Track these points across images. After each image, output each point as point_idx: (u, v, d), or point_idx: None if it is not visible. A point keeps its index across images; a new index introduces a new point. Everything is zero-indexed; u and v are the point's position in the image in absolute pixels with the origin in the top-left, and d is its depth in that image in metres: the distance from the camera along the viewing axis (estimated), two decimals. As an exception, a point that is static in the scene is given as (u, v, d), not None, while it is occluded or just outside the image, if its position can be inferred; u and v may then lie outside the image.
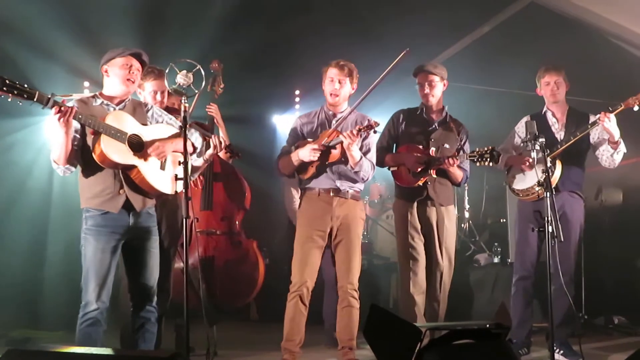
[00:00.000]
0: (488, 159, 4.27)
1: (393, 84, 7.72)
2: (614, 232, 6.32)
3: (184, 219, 3.46)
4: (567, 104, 4.77)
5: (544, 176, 4.04)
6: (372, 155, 4.27)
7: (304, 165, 4.14)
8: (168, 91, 4.61)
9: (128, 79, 3.53)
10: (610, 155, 4.57)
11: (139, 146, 3.47)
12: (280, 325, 4.19)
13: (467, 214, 7.85)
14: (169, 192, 3.63)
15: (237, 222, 4.97)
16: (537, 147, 4.08)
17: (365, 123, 4.13)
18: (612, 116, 4.38)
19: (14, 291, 5.65)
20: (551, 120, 4.70)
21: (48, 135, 3.28)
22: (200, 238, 4.73)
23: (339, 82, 4.18)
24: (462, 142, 4.62)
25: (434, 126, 4.59)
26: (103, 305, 3.44)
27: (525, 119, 4.78)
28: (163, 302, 4.20)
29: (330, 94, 4.23)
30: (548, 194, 3.94)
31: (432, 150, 4.45)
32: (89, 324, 3.41)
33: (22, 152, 5.76)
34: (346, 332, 4.13)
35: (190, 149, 3.60)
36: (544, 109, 4.78)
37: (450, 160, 4.33)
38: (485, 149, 4.30)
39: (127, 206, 3.48)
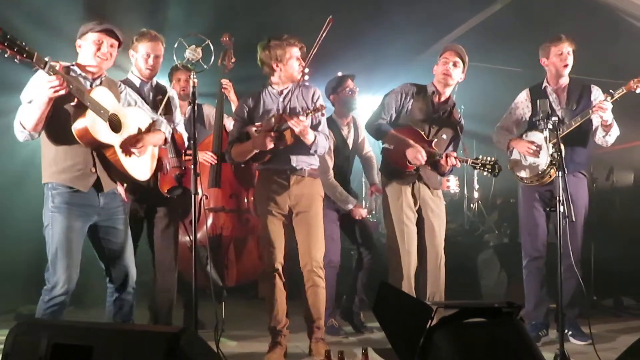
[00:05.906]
0: (490, 170, 4.24)
1: (403, 62, 7.68)
2: (624, 213, 6.28)
3: (192, 195, 3.44)
4: (568, 77, 4.62)
5: (556, 155, 3.98)
6: (324, 127, 4.14)
7: (260, 153, 4.00)
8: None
9: (97, 56, 3.40)
10: (603, 137, 4.51)
11: (117, 126, 3.40)
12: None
13: (476, 194, 7.83)
14: (143, 178, 3.55)
15: (245, 200, 4.94)
16: (550, 127, 4.02)
17: (310, 99, 4.06)
18: (609, 104, 4.31)
19: (22, 267, 5.66)
20: (551, 96, 4.54)
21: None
22: (208, 215, 4.70)
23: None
24: (459, 140, 4.54)
25: (439, 113, 4.47)
26: (72, 288, 3.28)
27: (524, 92, 4.71)
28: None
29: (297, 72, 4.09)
30: (560, 173, 3.88)
31: (434, 142, 4.34)
32: (55, 310, 3.23)
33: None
34: (313, 312, 4.07)
35: (168, 137, 3.68)
36: (544, 84, 4.65)
37: (450, 161, 4.26)
38: (489, 159, 4.25)
39: (97, 185, 3.37)
